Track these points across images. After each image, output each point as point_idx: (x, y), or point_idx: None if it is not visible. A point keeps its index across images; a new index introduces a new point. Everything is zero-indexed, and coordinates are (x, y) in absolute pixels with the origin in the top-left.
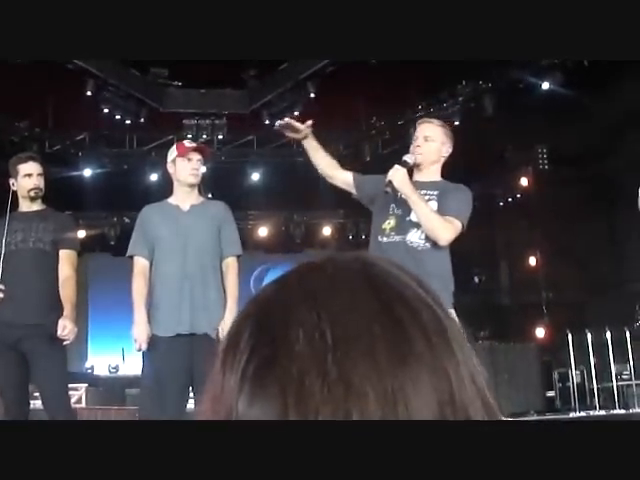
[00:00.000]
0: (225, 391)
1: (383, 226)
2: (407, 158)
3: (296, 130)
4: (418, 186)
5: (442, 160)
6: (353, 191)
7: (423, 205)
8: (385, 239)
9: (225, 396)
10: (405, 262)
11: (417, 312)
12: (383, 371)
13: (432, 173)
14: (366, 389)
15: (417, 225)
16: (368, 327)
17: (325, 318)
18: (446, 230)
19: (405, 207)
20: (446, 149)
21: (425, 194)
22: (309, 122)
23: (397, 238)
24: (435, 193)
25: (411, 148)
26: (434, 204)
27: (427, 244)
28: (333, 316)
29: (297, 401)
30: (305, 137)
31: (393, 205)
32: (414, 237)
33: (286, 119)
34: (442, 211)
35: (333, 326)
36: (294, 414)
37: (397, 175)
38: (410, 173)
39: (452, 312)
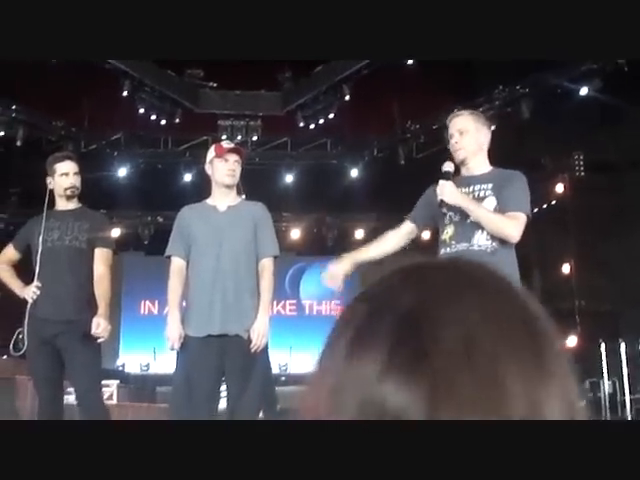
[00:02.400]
0: (354, 379)
1: (442, 237)
2: (446, 167)
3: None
4: (471, 182)
5: (485, 147)
6: (416, 231)
7: (482, 210)
8: (447, 249)
9: (356, 384)
10: None
11: (547, 327)
12: (529, 381)
13: (480, 164)
14: (515, 394)
15: (480, 226)
16: (515, 336)
17: (473, 319)
18: (513, 227)
19: (462, 211)
20: (484, 135)
21: (480, 189)
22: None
23: (460, 246)
24: (490, 186)
25: (449, 147)
26: (492, 199)
27: (494, 244)
28: (480, 319)
29: (447, 396)
30: (351, 266)
31: (451, 213)
32: (481, 240)
33: (327, 276)
34: (502, 206)
35: (481, 328)
36: (443, 406)
37: (445, 190)
38: (458, 171)
39: None
